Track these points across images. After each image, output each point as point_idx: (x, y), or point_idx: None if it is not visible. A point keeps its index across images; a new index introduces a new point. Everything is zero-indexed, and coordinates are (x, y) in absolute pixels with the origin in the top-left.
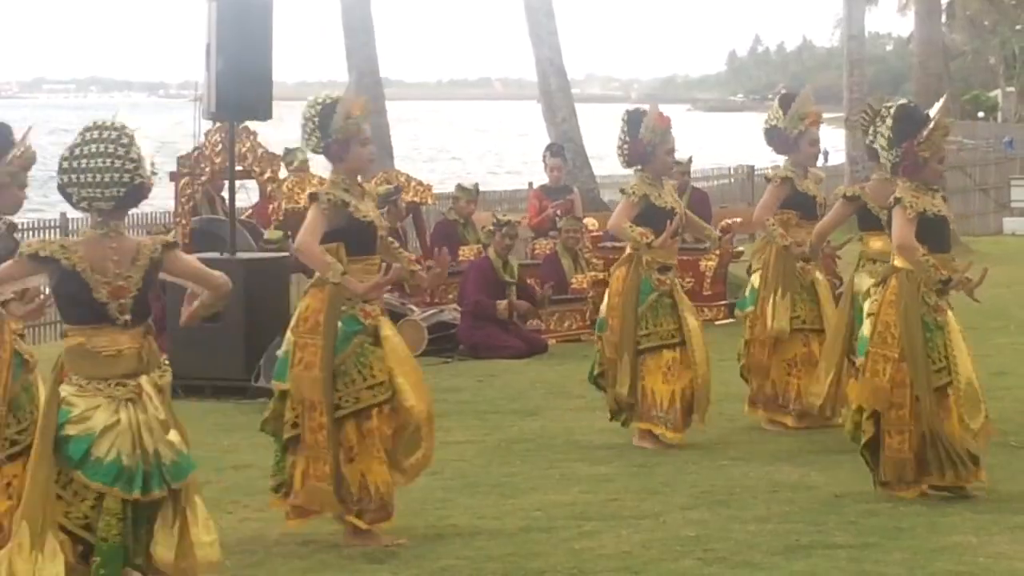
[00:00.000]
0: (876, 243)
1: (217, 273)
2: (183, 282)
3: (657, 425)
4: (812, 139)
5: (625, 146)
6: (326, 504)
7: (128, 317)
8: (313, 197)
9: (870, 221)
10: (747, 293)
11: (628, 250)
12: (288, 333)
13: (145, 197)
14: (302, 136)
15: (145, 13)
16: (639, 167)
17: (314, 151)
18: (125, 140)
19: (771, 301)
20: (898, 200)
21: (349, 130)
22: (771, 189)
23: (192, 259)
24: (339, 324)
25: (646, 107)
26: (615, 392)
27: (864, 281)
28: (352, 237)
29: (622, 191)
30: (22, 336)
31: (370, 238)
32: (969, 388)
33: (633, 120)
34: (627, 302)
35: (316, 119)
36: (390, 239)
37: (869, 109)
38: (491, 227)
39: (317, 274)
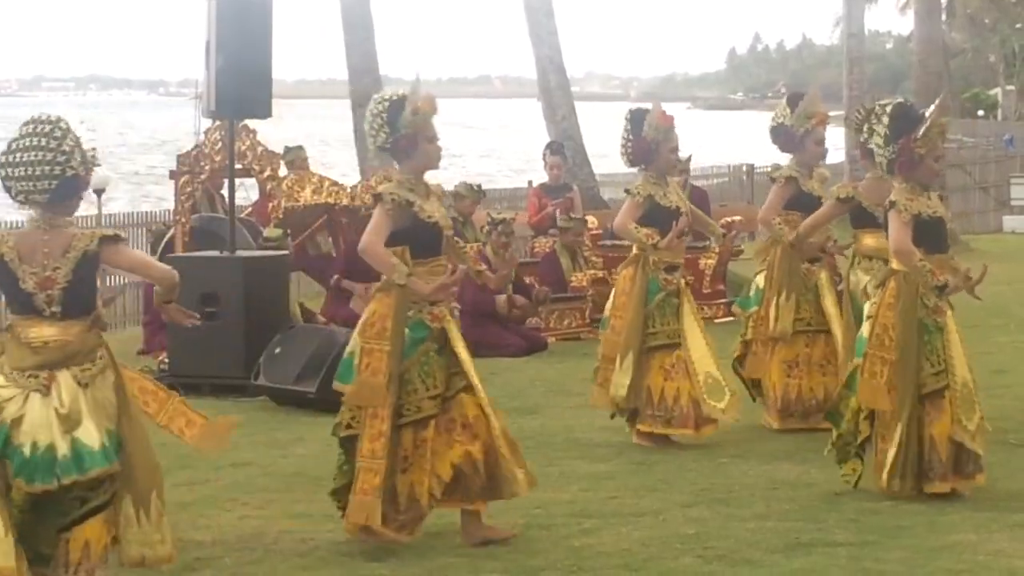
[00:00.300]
0: (870, 240)
1: (160, 266)
2: (126, 274)
3: (654, 424)
4: (818, 138)
5: (629, 144)
6: (371, 517)
7: (57, 309)
8: (377, 197)
9: (864, 218)
10: (751, 293)
11: (635, 250)
12: (354, 335)
13: (82, 189)
14: (368, 133)
15: (145, 11)
16: (643, 166)
17: (380, 148)
18: (58, 133)
19: (775, 302)
20: (893, 204)
21: (417, 124)
22: (776, 189)
23: (135, 252)
24: (406, 331)
25: (649, 106)
26: (612, 394)
27: (861, 278)
28: (417, 238)
29: (627, 191)
30: None
31: (435, 239)
32: (965, 389)
33: (636, 119)
34: (635, 303)
35: (384, 115)
36: (456, 240)
37: (862, 109)
38: (487, 226)
39: (384, 278)
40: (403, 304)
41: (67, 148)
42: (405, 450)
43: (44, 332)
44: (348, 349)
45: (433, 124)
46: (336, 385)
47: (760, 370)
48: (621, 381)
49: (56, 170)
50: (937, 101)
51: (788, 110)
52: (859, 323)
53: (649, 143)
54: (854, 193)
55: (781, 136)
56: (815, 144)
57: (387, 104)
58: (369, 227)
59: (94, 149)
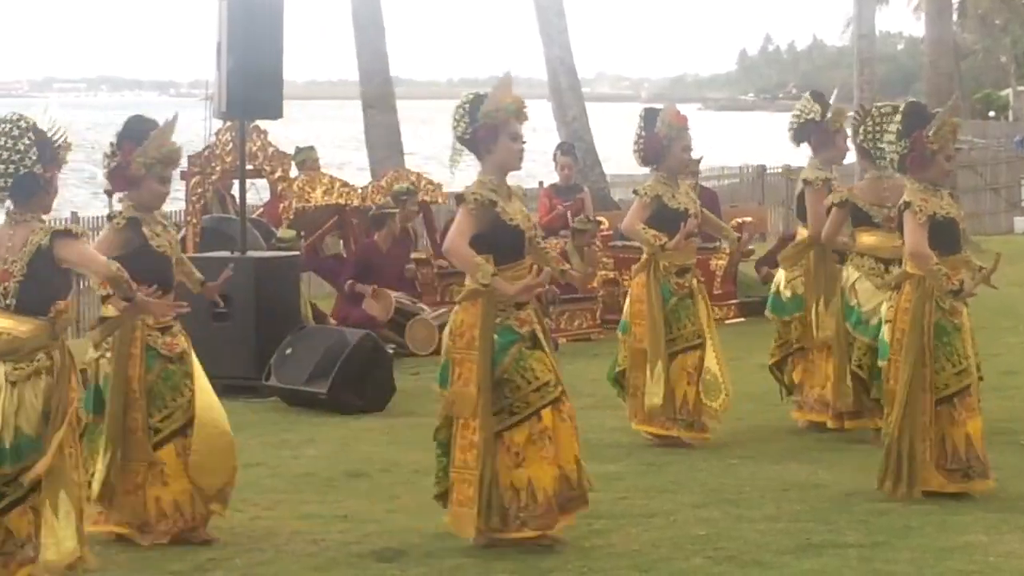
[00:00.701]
0: (865, 238)
1: (100, 261)
2: (78, 268)
3: (674, 427)
4: (846, 136)
5: (641, 141)
6: (467, 529)
7: (12, 302)
8: (460, 198)
9: (860, 218)
10: (785, 299)
11: (645, 255)
12: (444, 343)
13: (43, 186)
14: (452, 124)
15: (156, 12)
16: (655, 166)
17: (460, 139)
18: (15, 132)
19: (814, 311)
20: (908, 204)
21: (498, 117)
22: (816, 196)
23: (80, 247)
24: (495, 337)
25: (663, 106)
26: (649, 404)
27: (851, 274)
28: (499, 242)
29: (635, 192)
30: (163, 330)
31: (518, 242)
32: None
33: (650, 117)
34: (653, 310)
35: (467, 106)
36: (538, 241)
37: (861, 110)
38: None
39: (468, 282)
40: (490, 311)
41: (21, 147)
42: (517, 446)
43: (2, 323)
44: (443, 353)
45: (517, 124)
46: (439, 390)
47: (816, 378)
48: (654, 390)
49: (10, 168)
50: (950, 102)
51: (818, 106)
52: (845, 317)
53: (661, 140)
54: (848, 195)
55: (813, 132)
56: (844, 141)
57: (472, 97)
58: (453, 227)
59: (59, 147)
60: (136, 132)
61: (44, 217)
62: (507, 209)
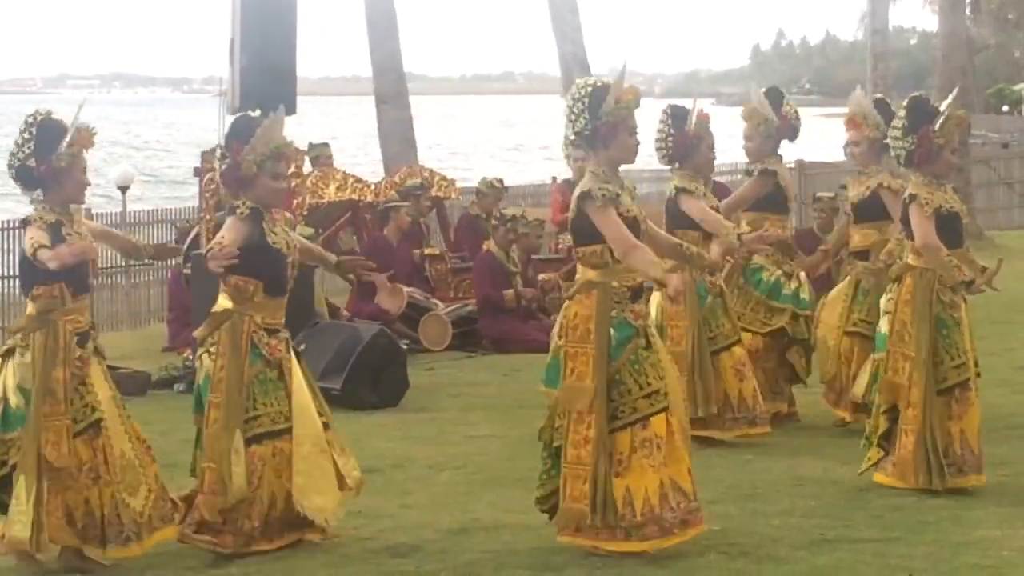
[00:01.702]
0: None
1: (25, 241)
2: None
3: (736, 427)
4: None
5: (669, 139)
6: (580, 525)
7: (23, 285)
8: (587, 197)
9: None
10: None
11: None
12: (555, 338)
13: (39, 180)
14: (567, 118)
15: (169, 8)
16: (677, 164)
17: (578, 134)
18: (23, 126)
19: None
20: (913, 197)
21: (619, 114)
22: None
23: (29, 232)
24: (611, 331)
25: (681, 102)
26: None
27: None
28: None
29: (676, 188)
30: (270, 331)
31: (635, 233)
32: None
33: (677, 114)
34: (690, 308)
35: (586, 100)
36: (650, 231)
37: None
38: (495, 221)
39: (579, 279)
40: (605, 303)
41: (20, 140)
42: (620, 453)
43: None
44: (552, 352)
45: (635, 117)
46: (543, 389)
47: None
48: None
49: (11, 160)
50: (954, 93)
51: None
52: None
53: (691, 139)
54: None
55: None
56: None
57: (590, 90)
58: (611, 233)
59: (67, 143)
60: (243, 131)
61: (74, 208)
62: (623, 201)
